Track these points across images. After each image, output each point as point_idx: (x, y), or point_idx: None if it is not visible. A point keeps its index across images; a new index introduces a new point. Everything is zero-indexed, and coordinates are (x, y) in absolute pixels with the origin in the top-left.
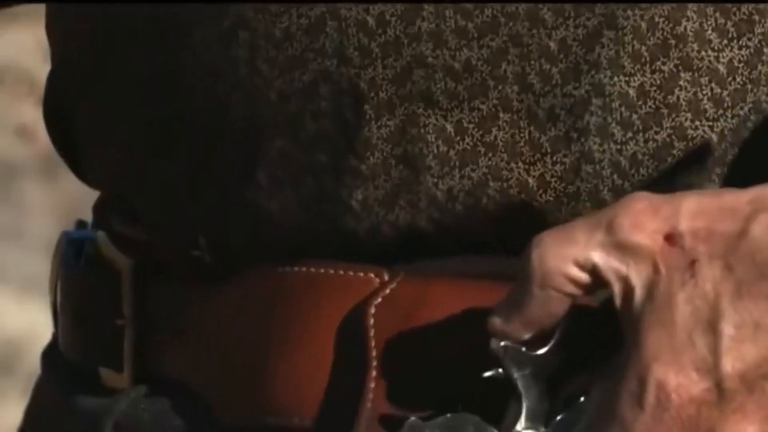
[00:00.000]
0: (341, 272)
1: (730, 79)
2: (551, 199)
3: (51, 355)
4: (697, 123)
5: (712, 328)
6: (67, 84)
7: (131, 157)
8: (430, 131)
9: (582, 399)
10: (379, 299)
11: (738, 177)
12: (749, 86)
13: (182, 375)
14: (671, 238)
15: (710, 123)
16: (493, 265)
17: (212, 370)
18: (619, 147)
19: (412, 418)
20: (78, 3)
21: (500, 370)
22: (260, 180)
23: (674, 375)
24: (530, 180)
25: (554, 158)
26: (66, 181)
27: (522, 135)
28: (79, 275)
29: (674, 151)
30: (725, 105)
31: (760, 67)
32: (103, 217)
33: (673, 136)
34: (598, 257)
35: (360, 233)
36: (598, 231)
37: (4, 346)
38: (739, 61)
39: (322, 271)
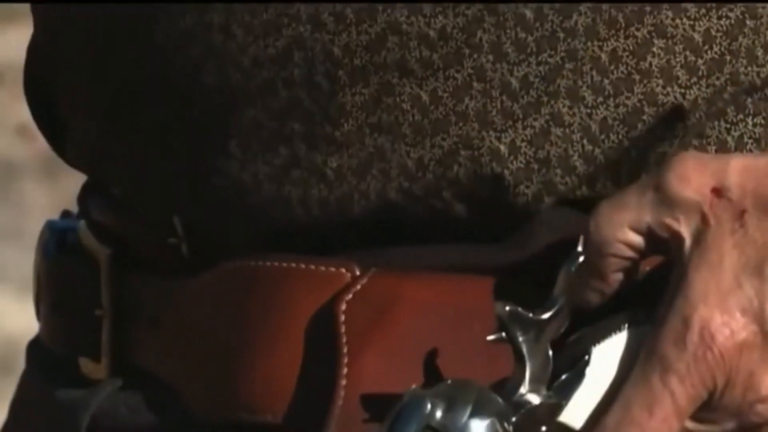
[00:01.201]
0: (312, 267)
1: (706, 48)
2: (522, 165)
3: (34, 346)
4: (669, 89)
5: (760, 273)
6: (47, 53)
7: (106, 126)
8: (406, 100)
9: (584, 359)
10: (350, 295)
11: (718, 152)
12: (727, 57)
13: (157, 368)
14: (719, 192)
15: (682, 90)
16: (465, 256)
17: (186, 364)
18: (589, 111)
19: (413, 387)
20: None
21: (504, 334)
22: (232, 150)
23: (719, 315)
24: (501, 147)
25: (525, 123)
26: (66, 181)
27: (494, 104)
28: (59, 264)
29: (644, 117)
30: (699, 73)
31: (741, 39)
32: (84, 206)
33: (644, 101)
34: (650, 217)
35: (331, 202)
36: (648, 191)
37: (4, 345)
38: (717, 31)
39: (293, 265)
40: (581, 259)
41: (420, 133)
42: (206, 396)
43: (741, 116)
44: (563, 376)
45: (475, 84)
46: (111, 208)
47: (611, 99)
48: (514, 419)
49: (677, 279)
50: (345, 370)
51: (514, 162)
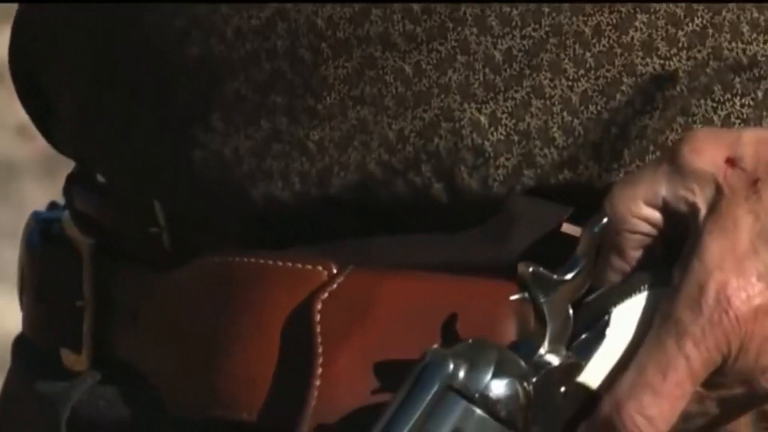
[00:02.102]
0: (290, 264)
1: (687, 20)
2: (502, 137)
3: (19, 341)
4: (648, 60)
5: None
6: (31, 31)
7: (89, 104)
8: (389, 72)
9: (604, 320)
10: (327, 294)
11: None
12: (710, 30)
13: (136, 361)
14: (732, 162)
15: (662, 61)
16: (445, 252)
17: (163, 359)
18: (570, 84)
19: (435, 346)
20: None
21: (526, 294)
22: (214, 123)
23: (735, 280)
24: (482, 118)
25: (506, 95)
26: None
27: (477, 77)
28: (43, 255)
29: (623, 87)
30: (680, 45)
31: (724, 12)
32: (68, 196)
33: (623, 72)
34: (664, 190)
35: (312, 176)
36: (662, 165)
37: (4, 345)
38: (700, 5)
39: (270, 263)
40: (605, 220)
41: (402, 105)
42: (183, 392)
43: (728, 95)
44: (582, 336)
45: (458, 57)
46: (94, 198)
47: (592, 72)
48: (534, 379)
49: (692, 245)
50: (320, 371)
51: (495, 134)
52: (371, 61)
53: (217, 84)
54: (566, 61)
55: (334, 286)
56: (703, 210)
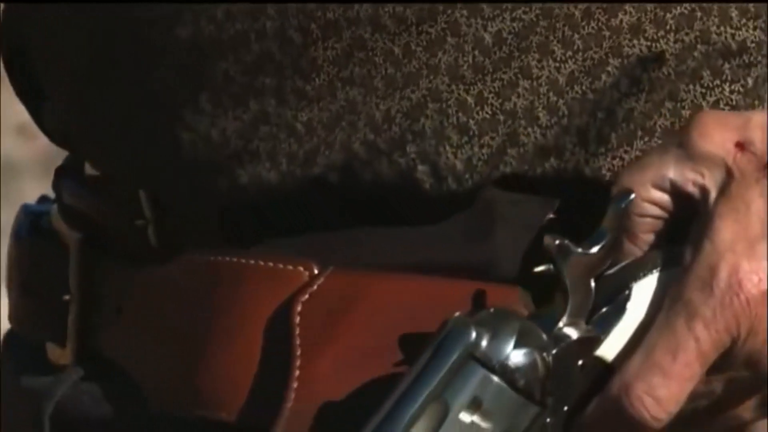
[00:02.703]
0: (271, 264)
1: (675, 3)
2: (487, 116)
3: (9, 337)
4: (635, 42)
5: None
6: (20, 15)
7: (78, 88)
8: (378, 54)
9: (625, 294)
10: (307, 296)
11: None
12: (698, 13)
13: (120, 357)
14: (742, 146)
15: (648, 43)
16: (429, 253)
17: (146, 356)
18: (557, 65)
19: (457, 314)
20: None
21: (551, 266)
22: (202, 104)
23: (747, 262)
24: (468, 98)
25: (494, 76)
26: None
27: (466, 59)
28: (30, 248)
29: (608, 68)
30: (667, 27)
31: None
32: (57, 190)
33: (610, 54)
34: (673, 173)
35: (299, 156)
36: (670, 149)
37: None
38: None
39: (252, 262)
40: (632, 196)
41: (392, 86)
42: (164, 390)
43: (717, 81)
44: (602, 310)
45: (448, 39)
46: (82, 191)
47: (580, 53)
48: (554, 351)
49: (703, 227)
50: (297, 373)
51: (480, 113)
52: (361, 42)
53: (206, 64)
54: (555, 42)
55: (314, 287)
56: (713, 193)
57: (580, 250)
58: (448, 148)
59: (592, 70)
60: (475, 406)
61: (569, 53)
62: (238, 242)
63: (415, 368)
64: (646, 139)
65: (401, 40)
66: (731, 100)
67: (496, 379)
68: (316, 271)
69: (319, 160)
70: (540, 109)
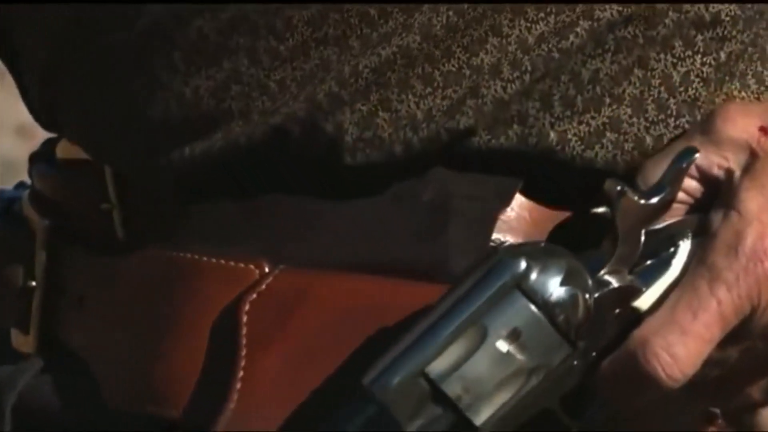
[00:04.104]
0: (222, 261)
1: None
2: (453, 69)
3: None
4: (606, 6)
5: None
6: None
7: (55, 52)
8: (354, 15)
9: (671, 251)
10: (255, 295)
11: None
12: None
13: (80, 348)
14: (765, 130)
15: (620, 7)
16: (379, 252)
17: (104, 348)
18: (528, 25)
19: (508, 242)
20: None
21: (608, 210)
22: (176, 63)
23: None
24: (437, 52)
25: (465, 32)
26: None
27: (440, 19)
28: (0, 233)
29: (577, 29)
30: None
31: None
32: (30, 176)
33: (581, 17)
34: (698, 158)
35: (273, 112)
36: (695, 135)
37: None
38: None
39: (205, 259)
40: (696, 155)
41: (367, 45)
42: (120, 384)
43: (689, 52)
44: (647, 263)
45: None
46: (52, 174)
47: (552, 16)
48: (596, 295)
49: (728, 200)
50: (241, 373)
51: (446, 65)
52: (338, 5)
53: (182, 23)
54: (528, 5)
55: (263, 287)
56: (737, 172)
57: (637, 198)
58: (411, 96)
59: (561, 32)
60: (513, 336)
61: (542, 15)
62: (194, 206)
63: (458, 290)
64: (615, 106)
65: (377, 1)
66: (702, 72)
67: (538, 312)
68: (266, 270)
69: (281, 109)
70: (505, 64)
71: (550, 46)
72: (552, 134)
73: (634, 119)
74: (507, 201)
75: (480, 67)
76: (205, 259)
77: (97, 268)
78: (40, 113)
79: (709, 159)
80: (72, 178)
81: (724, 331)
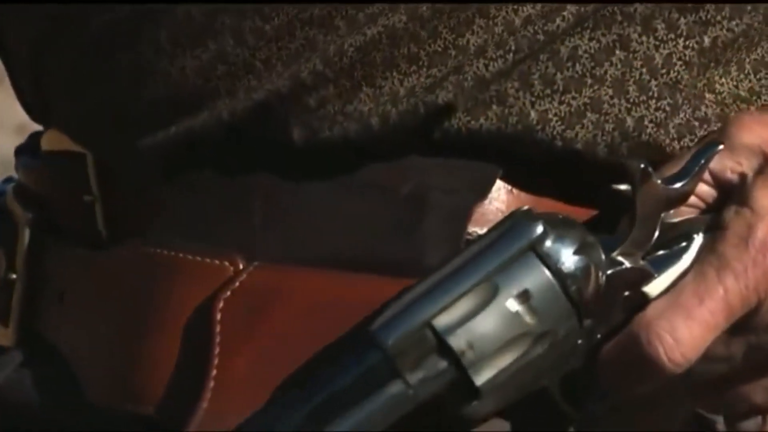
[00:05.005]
0: (198, 258)
1: None
2: (439, 49)
3: None
4: None
5: None
6: None
7: (43, 39)
8: None
9: (684, 245)
10: (229, 292)
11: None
12: None
13: (60, 343)
14: None
15: None
16: (356, 245)
17: (84, 345)
18: (516, 8)
19: (525, 207)
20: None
21: (629, 189)
22: (163, 43)
23: None
24: (423, 33)
25: (451, 14)
26: None
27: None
28: None
29: (564, 13)
30: None
31: None
32: (16, 169)
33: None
34: (713, 163)
35: (258, 89)
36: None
37: None
38: None
39: (181, 255)
40: (720, 147)
41: (353, 25)
42: (100, 382)
43: (672, 35)
44: (659, 252)
45: None
46: (36, 166)
47: None
48: (609, 272)
49: (741, 199)
50: (214, 372)
51: (432, 45)
52: None
53: (168, 4)
54: None
55: (237, 284)
56: (751, 174)
57: (659, 182)
58: (395, 74)
59: (549, 15)
60: (524, 297)
61: None
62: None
63: (472, 248)
64: (596, 87)
65: None
66: (684, 55)
67: (551, 277)
68: (241, 267)
69: (265, 84)
70: (491, 44)
71: (536, 28)
72: (533, 113)
73: (615, 100)
74: (484, 194)
75: (466, 48)
76: (180, 255)
77: (79, 264)
78: (33, 108)
79: (722, 164)
80: (55, 169)
81: (729, 320)
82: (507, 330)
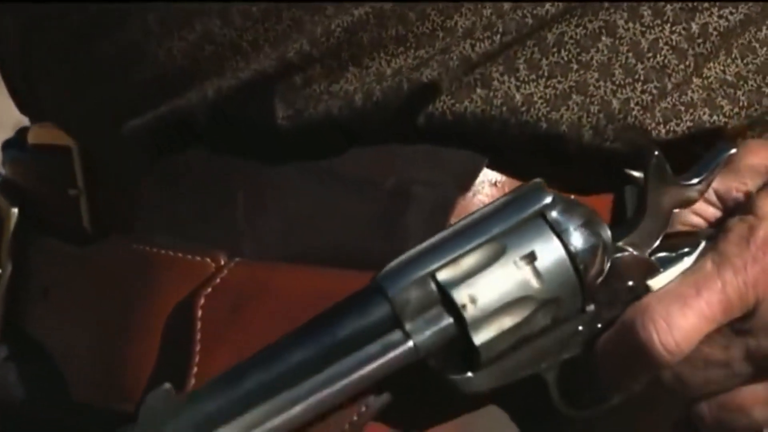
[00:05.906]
0: (180, 255)
1: None
2: (427, 31)
3: None
4: None
5: None
6: None
7: (30, 17)
8: None
9: (688, 250)
10: (209, 289)
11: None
12: None
13: (44, 338)
14: None
15: None
16: (339, 236)
17: (68, 341)
18: None
19: (537, 180)
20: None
21: (641, 176)
22: (151, 24)
23: None
24: (411, 14)
25: None
26: None
27: None
28: None
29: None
30: None
31: None
32: (3, 163)
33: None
34: (717, 184)
35: (245, 69)
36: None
37: None
38: None
39: (163, 252)
40: (733, 150)
41: (341, 6)
42: (84, 379)
43: (658, 21)
44: (663, 254)
45: None
46: (22, 159)
47: None
48: (614, 256)
49: (745, 209)
50: (195, 369)
51: (420, 27)
52: None
53: None
54: None
55: (217, 280)
56: (754, 191)
57: (671, 173)
58: (382, 55)
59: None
60: (530, 258)
61: None
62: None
63: (482, 210)
64: (582, 71)
65: None
66: (671, 40)
67: (558, 243)
68: (222, 263)
69: (251, 65)
70: (478, 25)
71: (524, 11)
72: (518, 96)
73: (601, 83)
74: (467, 187)
75: (454, 29)
76: (163, 252)
77: (64, 260)
78: (25, 104)
79: (728, 185)
80: (41, 162)
81: (725, 314)
82: (511, 289)
